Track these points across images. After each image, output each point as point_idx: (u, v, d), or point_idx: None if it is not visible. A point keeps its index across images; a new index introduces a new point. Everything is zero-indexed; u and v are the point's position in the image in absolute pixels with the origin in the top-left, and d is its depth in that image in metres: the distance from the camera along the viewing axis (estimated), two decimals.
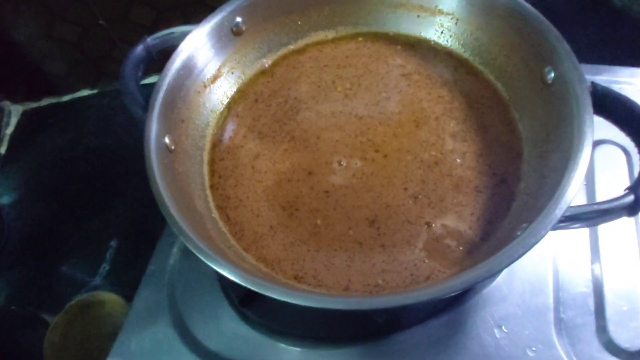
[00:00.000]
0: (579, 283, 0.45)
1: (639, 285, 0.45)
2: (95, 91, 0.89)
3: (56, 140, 0.85)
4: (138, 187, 0.77)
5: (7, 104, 0.88)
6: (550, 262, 0.46)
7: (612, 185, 0.50)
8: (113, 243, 0.73)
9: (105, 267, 0.72)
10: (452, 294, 0.31)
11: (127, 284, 0.69)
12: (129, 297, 0.63)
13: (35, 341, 0.66)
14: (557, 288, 0.45)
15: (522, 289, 0.45)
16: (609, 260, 0.46)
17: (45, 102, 0.89)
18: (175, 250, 0.52)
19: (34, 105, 0.89)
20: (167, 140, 0.41)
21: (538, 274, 0.45)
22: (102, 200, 0.78)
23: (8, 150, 0.85)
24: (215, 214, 0.43)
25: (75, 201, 0.79)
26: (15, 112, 0.89)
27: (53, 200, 0.79)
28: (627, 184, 0.50)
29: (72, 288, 0.70)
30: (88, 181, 0.80)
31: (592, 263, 0.46)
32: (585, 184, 0.50)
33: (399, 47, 0.51)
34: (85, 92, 0.89)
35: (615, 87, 0.56)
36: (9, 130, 0.87)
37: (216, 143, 0.48)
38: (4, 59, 0.81)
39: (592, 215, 0.33)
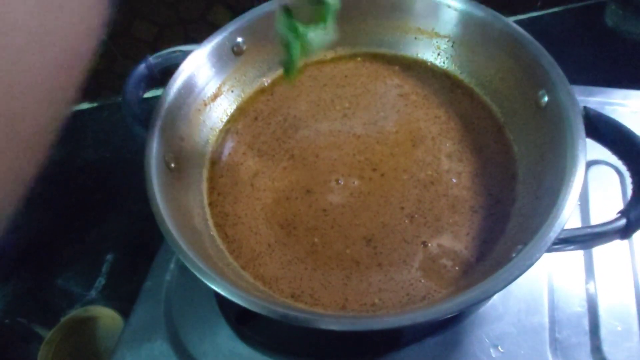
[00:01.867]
0: (574, 303, 0.46)
1: (633, 305, 0.45)
2: (95, 104, 0.89)
3: (54, 153, 0.85)
4: (135, 201, 0.77)
5: None
6: (545, 282, 0.46)
7: (606, 204, 0.51)
8: (109, 257, 0.73)
9: (101, 281, 0.71)
10: (448, 316, 0.31)
11: (122, 299, 0.69)
12: (124, 312, 0.63)
13: (29, 356, 0.65)
14: (553, 307, 0.45)
15: (518, 309, 0.45)
16: (604, 281, 0.46)
17: None
18: (172, 266, 0.52)
19: None
20: (167, 158, 0.42)
21: (533, 294, 0.46)
22: (99, 214, 0.77)
23: None
24: (213, 231, 0.43)
25: (72, 214, 0.78)
26: None
27: (50, 213, 0.79)
28: (621, 203, 0.51)
29: (67, 302, 0.70)
30: (85, 194, 0.80)
31: (587, 283, 0.47)
32: (580, 204, 0.51)
33: (397, 67, 0.52)
34: (85, 105, 0.89)
35: (609, 109, 0.57)
36: None
37: (215, 160, 0.49)
38: None
39: (586, 239, 0.34)
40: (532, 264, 0.31)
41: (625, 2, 0.75)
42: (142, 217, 0.75)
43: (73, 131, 0.87)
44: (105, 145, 0.85)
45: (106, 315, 0.66)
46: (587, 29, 0.83)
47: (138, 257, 0.71)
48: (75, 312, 0.66)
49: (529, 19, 0.85)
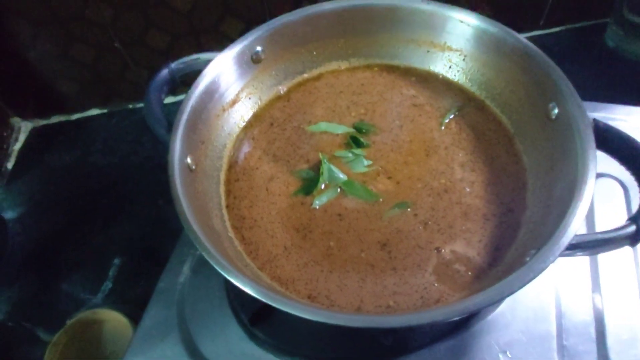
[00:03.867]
0: (581, 311, 0.47)
1: (638, 314, 0.46)
2: (105, 111, 0.90)
3: (63, 158, 0.86)
4: (143, 206, 0.78)
5: (17, 120, 0.90)
6: (552, 290, 0.47)
7: (610, 217, 0.52)
8: (116, 261, 0.73)
9: (107, 285, 0.71)
10: (465, 315, 0.32)
11: (129, 303, 0.69)
12: (131, 316, 0.63)
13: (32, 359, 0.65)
14: (560, 316, 0.46)
15: (526, 316, 0.46)
16: (609, 290, 0.47)
17: (55, 119, 0.91)
18: (185, 268, 0.53)
19: (44, 122, 0.91)
20: (188, 160, 0.43)
21: (541, 302, 0.47)
22: (107, 218, 0.78)
23: (15, 165, 0.85)
24: (231, 233, 0.44)
25: (79, 218, 0.79)
26: (24, 128, 0.90)
27: (58, 217, 0.79)
28: (625, 216, 0.53)
29: (73, 306, 0.70)
30: (93, 198, 0.81)
31: (593, 292, 0.48)
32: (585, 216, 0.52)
33: (413, 78, 0.54)
34: (95, 112, 0.90)
35: (611, 124, 0.59)
36: (17, 146, 0.88)
37: (232, 164, 0.50)
38: (17, 76, 0.83)
39: (596, 244, 0.35)
40: (545, 267, 0.32)
41: (626, 23, 0.78)
42: (149, 222, 0.75)
43: (82, 137, 0.88)
44: (113, 151, 0.86)
45: (113, 319, 0.66)
46: (588, 48, 0.85)
47: (145, 261, 0.72)
48: (83, 315, 0.66)
49: (532, 37, 0.87)
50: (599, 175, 0.54)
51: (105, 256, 0.73)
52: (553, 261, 0.33)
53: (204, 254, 0.35)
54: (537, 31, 0.87)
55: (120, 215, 0.78)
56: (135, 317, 0.61)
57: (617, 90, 0.77)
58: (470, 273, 0.40)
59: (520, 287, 0.32)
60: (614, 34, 0.81)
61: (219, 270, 0.34)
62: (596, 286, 0.48)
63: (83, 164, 0.85)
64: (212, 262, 0.35)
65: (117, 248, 0.74)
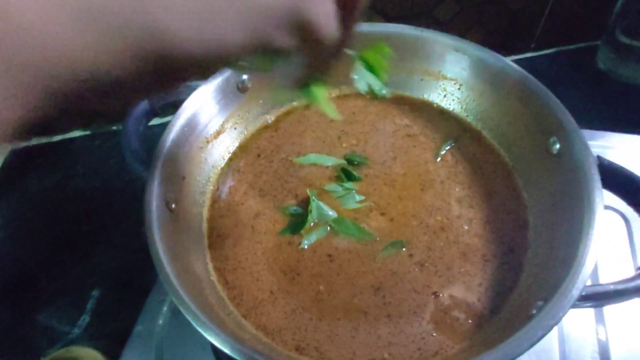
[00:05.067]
0: (586, 355, 0.44)
1: None
2: (87, 132, 0.87)
3: (43, 181, 0.83)
4: (126, 234, 0.74)
5: None
6: (555, 331, 0.45)
7: (612, 250, 0.50)
8: (95, 293, 0.69)
9: (85, 318, 0.67)
10: None
11: (107, 338, 0.65)
12: (109, 353, 0.59)
13: None
14: (564, 358, 0.44)
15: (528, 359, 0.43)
16: (615, 329, 0.45)
17: (35, 141, 0.87)
18: (165, 309, 0.49)
19: (23, 144, 0.87)
20: (167, 198, 0.40)
21: (544, 344, 0.44)
22: (87, 246, 0.74)
23: None
24: (213, 276, 0.41)
25: (58, 246, 0.75)
26: (2, 150, 0.86)
27: (35, 244, 0.76)
28: (627, 249, 0.51)
29: (48, 340, 0.66)
30: (73, 225, 0.77)
31: (598, 334, 0.45)
32: None
33: (406, 107, 0.52)
34: (76, 133, 0.87)
35: (605, 152, 0.57)
36: None
37: (216, 200, 0.47)
38: None
39: (606, 296, 0.33)
40: (556, 323, 0.30)
41: (617, 45, 0.77)
42: (132, 251, 0.71)
43: (63, 159, 0.85)
44: (95, 174, 0.82)
45: (89, 357, 0.62)
46: (579, 71, 0.84)
47: (126, 293, 0.68)
48: (56, 353, 0.62)
49: (522, 59, 0.86)
50: None
51: (84, 287, 0.69)
52: (562, 317, 0.30)
53: (180, 308, 0.32)
54: (528, 53, 0.87)
55: (101, 243, 0.74)
56: (112, 355, 0.58)
57: (608, 113, 0.76)
58: (470, 321, 0.38)
59: (530, 347, 0.29)
60: (605, 56, 0.81)
61: (196, 327, 0.31)
62: (600, 322, 0.46)
63: (63, 188, 0.81)
64: (189, 317, 0.31)
65: (96, 279, 0.70)
